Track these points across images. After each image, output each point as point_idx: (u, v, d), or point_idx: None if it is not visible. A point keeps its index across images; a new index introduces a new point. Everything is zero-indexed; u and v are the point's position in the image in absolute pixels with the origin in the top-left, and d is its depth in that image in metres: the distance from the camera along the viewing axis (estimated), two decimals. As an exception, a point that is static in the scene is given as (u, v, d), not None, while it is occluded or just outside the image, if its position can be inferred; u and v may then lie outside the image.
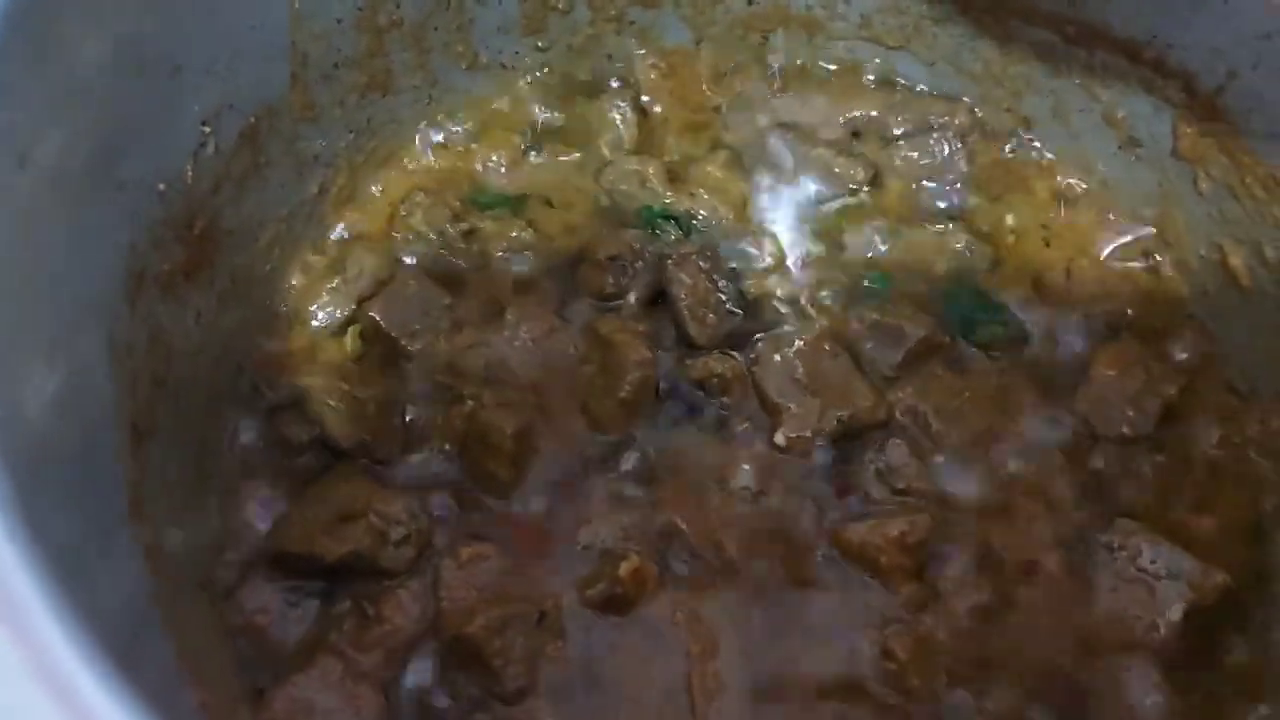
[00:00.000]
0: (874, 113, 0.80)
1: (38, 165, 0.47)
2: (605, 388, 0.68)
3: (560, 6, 0.78)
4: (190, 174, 0.60)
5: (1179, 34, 0.68)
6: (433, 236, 0.74)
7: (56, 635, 0.38)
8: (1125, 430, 0.69)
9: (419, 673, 0.61)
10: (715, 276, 0.71)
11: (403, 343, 0.70)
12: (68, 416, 0.49)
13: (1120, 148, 0.75)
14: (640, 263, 0.72)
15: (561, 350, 0.70)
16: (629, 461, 0.67)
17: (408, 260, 0.74)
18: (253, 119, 0.65)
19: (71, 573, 0.41)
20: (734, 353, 0.70)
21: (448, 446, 0.67)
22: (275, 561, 0.62)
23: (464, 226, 0.74)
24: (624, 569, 0.62)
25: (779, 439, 0.68)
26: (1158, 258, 0.75)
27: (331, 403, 0.66)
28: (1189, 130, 0.70)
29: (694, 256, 0.72)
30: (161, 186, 0.58)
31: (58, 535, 0.42)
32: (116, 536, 0.51)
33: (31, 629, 0.38)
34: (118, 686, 0.38)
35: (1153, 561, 0.63)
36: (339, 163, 0.74)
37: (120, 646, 0.40)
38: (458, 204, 0.75)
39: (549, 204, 0.77)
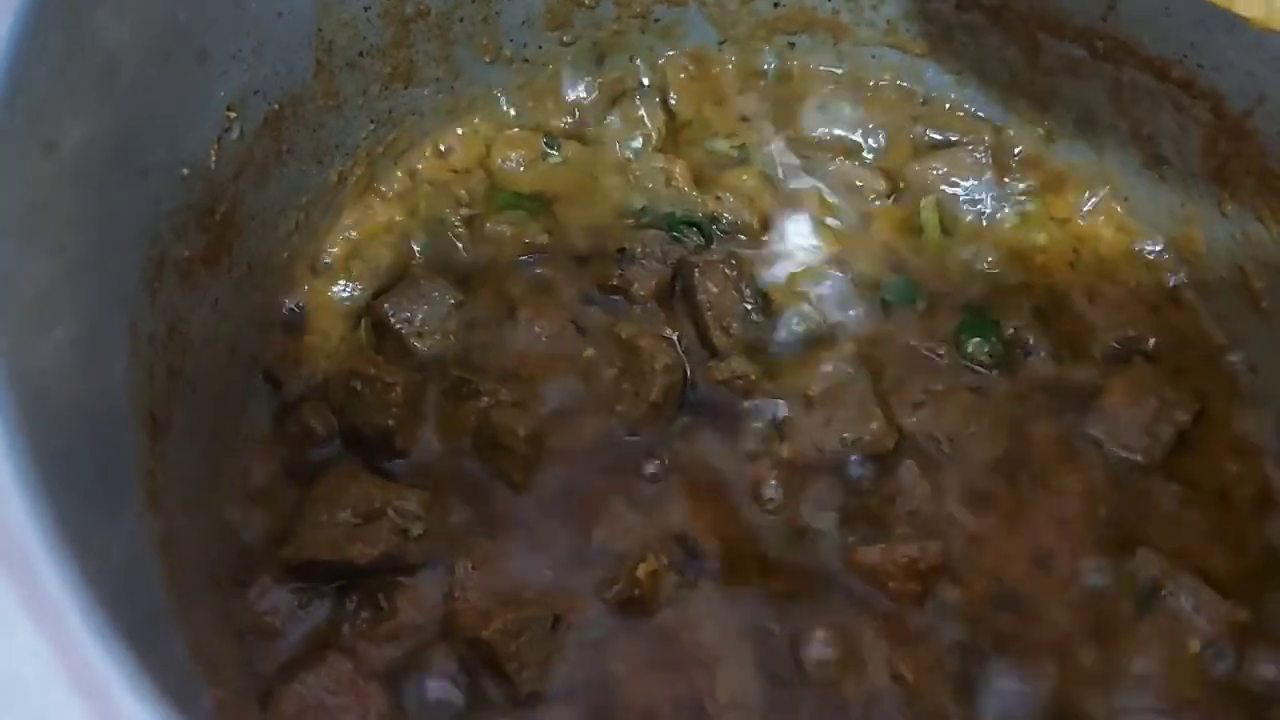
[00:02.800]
0: (899, 122, 0.80)
1: (65, 152, 0.47)
2: (633, 391, 0.67)
3: (586, 1, 0.77)
4: (214, 159, 0.60)
5: (1210, 54, 0.68)
6: (438, 229, 0.73)
7: (82, 630, 0.38)
8: (1139, 458, 0.68)
9: (430, 672, 0.60)
10: (741, 285, 0.71)
11: (411, 340, 0.69)
12: (89, 406, 0.48)
13: (1144, 165, 0.75)
14: (654, 261, 0.71)
15: (576, 351, 0.70)
16: (645, 463, 0.66)
17: (419, 255, 0.73)
18: (277, 105, 0.64)
19: (93, 565, 0.40)
20: (755, 358, 0.70)
21: (460, 442, 0.66)
22: (299, 569, 0.61)
23: (466, 212, 0.73)
24: (642, 570, 0.62)
25: (784, 452, 0.67)
26: (1178, 279, 0.75)
27: (357, 386, 0.65)
28: (1216, 151, 0.70)
29: (720, 264, 0.71)
30: (185, 172, 0.57)
31: (78, 525, 0.41)
32: (133, 527, 0.50)
33: (62, 628, 0.37)
34: (143, 684, 0.37)
35: (1173, 593, 0.63)
36: (359, 153, 0.73)
37: (142, 643, 0.39)
38: (465, 195, 0.75)
39: (567, 202, 0.76)
